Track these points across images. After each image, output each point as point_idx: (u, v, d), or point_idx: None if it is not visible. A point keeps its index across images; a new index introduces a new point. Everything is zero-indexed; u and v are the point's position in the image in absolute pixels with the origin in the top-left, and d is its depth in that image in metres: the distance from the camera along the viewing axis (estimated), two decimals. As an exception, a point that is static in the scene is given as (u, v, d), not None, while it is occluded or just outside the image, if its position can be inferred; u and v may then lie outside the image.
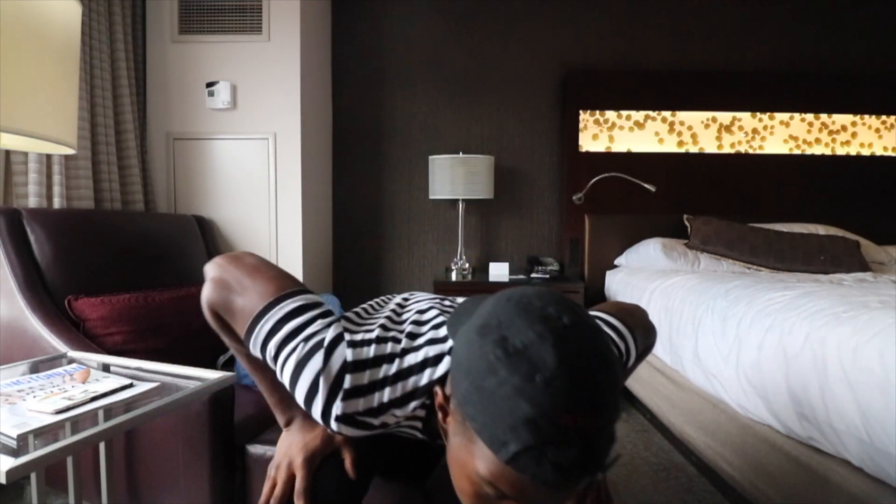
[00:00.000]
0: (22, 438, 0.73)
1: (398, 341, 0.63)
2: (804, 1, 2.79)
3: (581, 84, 2.71)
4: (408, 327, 0.66)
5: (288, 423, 0.76)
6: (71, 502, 1.09)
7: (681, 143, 2.77)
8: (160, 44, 2.22)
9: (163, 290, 1.58)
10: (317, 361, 0.59)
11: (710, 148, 2.77)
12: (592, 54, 2.80)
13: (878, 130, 2.78)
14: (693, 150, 2.77)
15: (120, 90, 2.06)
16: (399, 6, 2.78)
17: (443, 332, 0.63)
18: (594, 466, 0.41)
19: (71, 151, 1.12)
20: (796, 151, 2.78)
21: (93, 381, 0.97)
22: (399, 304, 0.78)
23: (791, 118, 2.77)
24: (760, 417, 1.30)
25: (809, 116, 2.77)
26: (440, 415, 0.54)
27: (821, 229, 2.51)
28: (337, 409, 0.58)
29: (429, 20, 2.79)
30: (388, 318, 0.69)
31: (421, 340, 0.63)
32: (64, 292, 1.37)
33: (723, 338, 1.48)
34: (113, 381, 0.97)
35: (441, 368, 0.60)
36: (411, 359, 0.61)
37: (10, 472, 0.64)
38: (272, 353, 0.62)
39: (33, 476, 0.82)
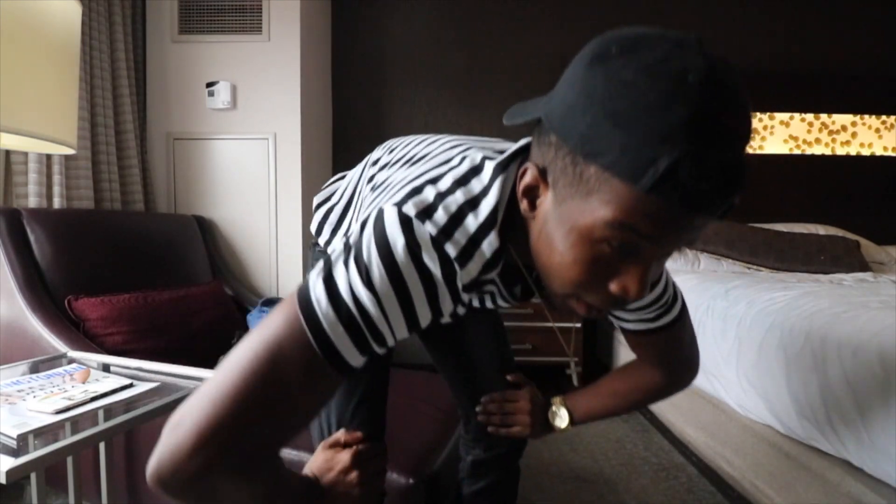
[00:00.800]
0: (22, 438, 0.73)
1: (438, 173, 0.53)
2: (804, 1, 2.79)
3: (581, 84, 2.71)
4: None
5: None
6: (71, 502, 1.08)
7: (681, 143, 2.77)
8: (160, 44, 2.22)
9: (163, 290, 1.58)
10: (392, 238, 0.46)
11: (710, 148, 2.77)
12: (592, 54, 2.80)
13: (878, 130, 2.78)
14: (693, 150, 2.77)
15: (120, 90, 2.06)
16: (399, 6, 2.78)
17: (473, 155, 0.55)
18: (745, 180, 0.39)
19: (71, 151, 1.12)
20: (796, 151, 2.78)
21: (93, 381, 0.97)
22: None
23: (791, 118, 2.77)
24: (760, 417, 1.30)
25: (809, 116, 2.77)
26: (525, 204, 0.47)
27: (821, 229, 2.51)
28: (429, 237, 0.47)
29: (429, 20, 2.79)
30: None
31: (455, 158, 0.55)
32: (64, 292, 1.37)
33: (723, 338, 1.48)
34: (113, 381, 0.97)
35: (485, 172, 0.51)
36: (460, 169, 0.52)
37: (10, 472, 0.64)
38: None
39: (33, 476, 0.82)
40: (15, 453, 0.68)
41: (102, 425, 0.78)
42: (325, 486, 0.63)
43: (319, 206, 0.82)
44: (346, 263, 0.46)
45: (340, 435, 0.69)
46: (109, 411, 0.86)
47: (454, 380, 0.97)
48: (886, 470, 0.92)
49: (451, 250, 0.47)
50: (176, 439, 0.43)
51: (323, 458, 0.66)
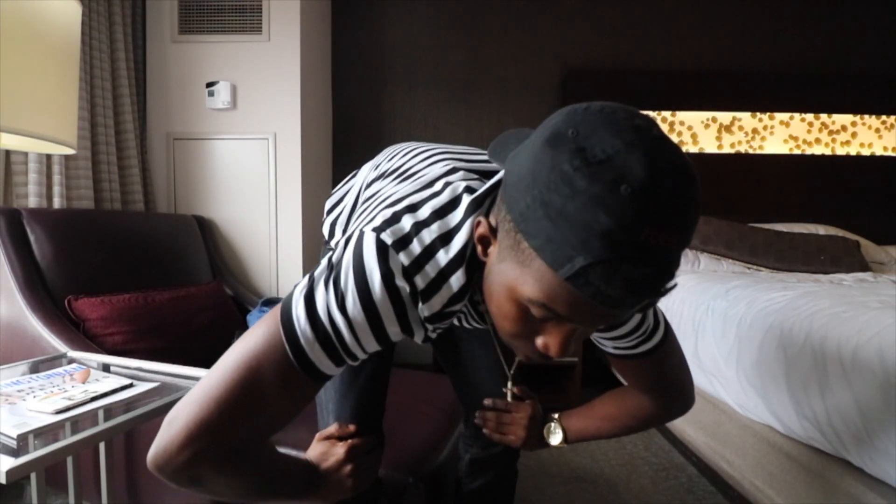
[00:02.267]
0: (22, 438, 0.73)
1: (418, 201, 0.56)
2: (804, 1, 2.79)
3: (581, 84, 2.71)
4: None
5: None
6: (71, 502, 1.08)
7: (681, 143, 2.77)
8: (160, 44, 2.22)
9: (163, 290, 1.58)
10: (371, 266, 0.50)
11: (710, 148, 2.77)
12: (592, 54, 2.80)
13: (878, 130, 2.78)
14: (693, 150, 2.77)
15: (120, 90, 2.06)
16: (399, 6, 2.78)
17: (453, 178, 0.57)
18: (661, 287, 0.39)
19: (71, 151, 1.12)
20: (796, 151, 2.78)
21: (93, 381, 0.97)
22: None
23: (791, 118, 2.77)
24: (760, 417, 1.30)
25: (809, 116, 2.77)
26: (479, 248, 0.49)
27: (821, 229, 2.51)
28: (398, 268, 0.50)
29: (429, 20, 2.79)
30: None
31: (438, 186, 0.57)
32: (64, 292, 1.37)
33: (723, 338, 1.48)
34: (113, 381, 0.97)
35: (461, 208, 0.53)
36: (440, 199, 0.54)
37: (10, 472, 0.64)
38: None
39: (33, 476, 0.82)
40: (15, 453, 0.68)
41: (102, 425, 0.78)
42: (321, 473, 0.68)
43: (331, 210, 0.85)
44: (325, 285, 0.50)
45: (334, 428, 0.73)
46: (109, 411, 0.86)
47: (456, 378, 0.98)
48: (886, 470, 0.92)
49: (420, 282, 0.51)
50: (168, 434, 0.50)
51: (319, 448, 0.71)
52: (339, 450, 0.69)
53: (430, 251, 0.51)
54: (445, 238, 0.52)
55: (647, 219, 0.37)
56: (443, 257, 0.51)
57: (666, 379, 0.73)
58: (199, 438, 0.49)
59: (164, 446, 0.50)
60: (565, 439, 0.85)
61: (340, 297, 0.49)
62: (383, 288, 0.49)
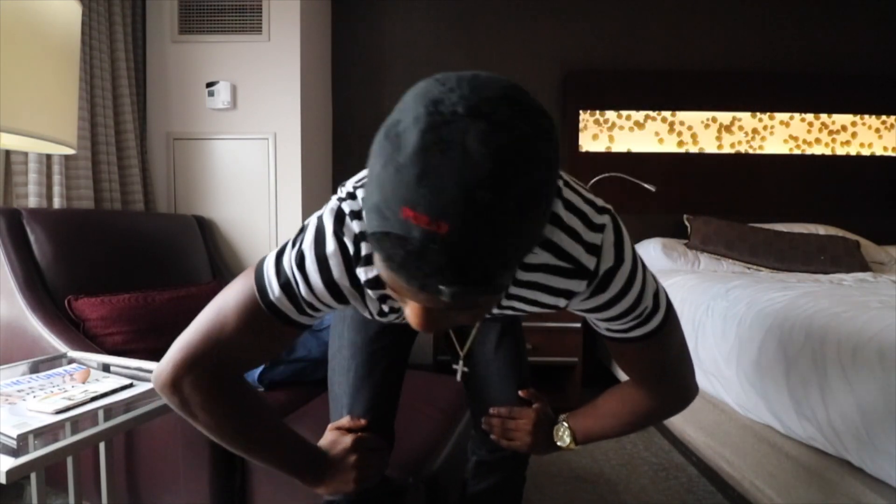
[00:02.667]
0: (22, 438, 0.73)
1: None
2: (804, 1, 2.79)
3: (581, 84, 2.71)
4: None
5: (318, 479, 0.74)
6: (71, 502, 1.09)
7: (681, 143, 2.77)
8: (160, 44, 2.22)
9: (163, 290, 1.58)
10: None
11: (710, 148, 2.77)
12: (592, 54, 2.80)
13: (878, 130, 2.78)
14: (693, 150, 2.77)
15: (120, 90, 2.06)
16: (399, 6, 2.78)
17: None
18: (453, 277, 0.36)
19: (71, 151, 1.12)
20: (796, 151, 2.78)
21: (93, 381, 0.97)
22: None
23: (791, 118, 2.77)
24: (760, 417, 1.30)
25: (809, 116, 2.77)
26: None
27: (821, 229, 2.51)
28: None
29: (428, 20, 2.79)
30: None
31: None
32: (64, 292, 1.37)
33: (723, 338, 1.48)
34: (113, 381, 0.97)
35: None
36: None
37: (10, 472, 0.64)
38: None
39: (33, 476, 0.82)
40: (15, 453, 0.68)
41: (102, 425, 0.78)
42: (328, 459, 0.74)
43: None
44: (293, 244, 0.58)
45: (346, 420, 0.78)
46: (109, 411, 0.86)
47: (468, 380, 0.97)
48: (886, 470, 0.92)
49: (365, 249, 0.54)
50: (165, 357, 0.63)
51: (331, 437, 0.77)
52: (347, 439, 0.74)
53: None
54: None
55: (401, 196, 0.35)
56: None
57: (660, 367, 0.70)
58: (182, 360, 0.61)
59: (160, 365, 0.63)
60: (574, 440, 0.84)
61: (300, 252, 0.56)
62: (335, 244, 0.55)
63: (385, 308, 0.61)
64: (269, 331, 0.60)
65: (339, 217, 0.55)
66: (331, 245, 0.55)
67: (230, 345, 0.60)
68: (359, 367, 0.81)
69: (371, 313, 0.63)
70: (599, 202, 0.56)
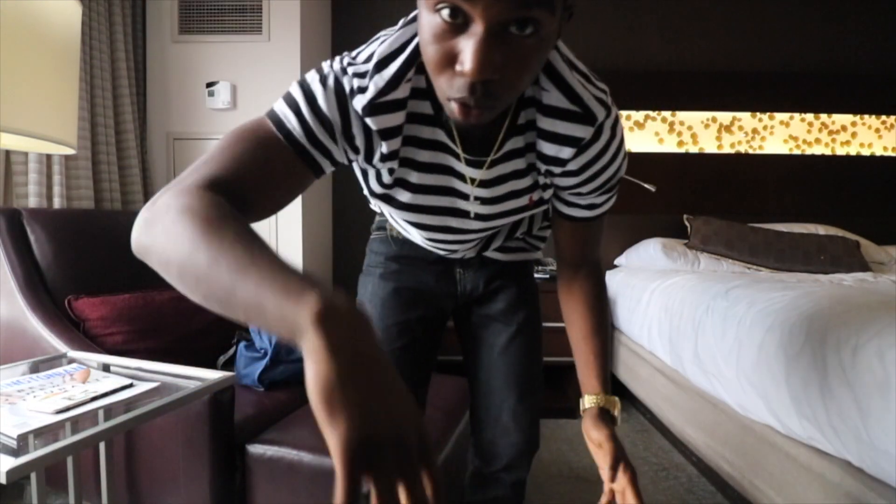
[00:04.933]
0: (22, 438, 0.73)
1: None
2: (804, 1, 2.79)
3: (581, 84, 2.71)
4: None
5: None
6: (71, 502, 1.09)
7: (681, 143, 2.77)
8: (160, 44, 2.22)
9: (163, 290, 1.58)
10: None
11: (710, 148, 2.77)
12: (592, 54, 2.80)
13: (878, 130, 2.78)
14: (693, 150, 2.77)
15: (120, 90, 2.06)
16: (399, 6, 2.77)
17: None
18: None
19: (71, 151, 1.12)
20: (796, 151, 2.78)
21: (93, 381, 0.97)
22: None
23: (791, 118, 2.77)
24: (760, 417, 1.30)
25: (809, 116, 2.77)
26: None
27: (821, 229, 2.51)
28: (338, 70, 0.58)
29: (429, 20, 2.79)
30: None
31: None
32: (64, 292, 1.37)
33: (723, 338, 1.47)
34: (113, 381, 0.97)
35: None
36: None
37: (10, 472, 0.64)
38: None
39: (33, 476, 0.82)
40: (15, 453, 0.68)
41: (102, 425, 0.78)
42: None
43: None
44: (299, 84, 0.58)
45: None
46: (109, 411, 0.86)
47: (473, 387, 0.97)
48: (886, 470, 0.92)
49: (372, 85, 0.56)
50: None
51: None
52: None
53: (372, 56, 0.57)
54: (395, 52, 0.57)
55: None
56: (383, 52, 0.57)
57: (594, 242, 0.80)
58: (192, 172, 0.51)
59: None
60: (606, 400, 0.77)
61: (308, 88, 0.57)
62: (334, 77, 0.57)
63: (388, 159, 0.61)
64: (278, 159, 0.56)
65: (343, 68, 0.58)
66: (331, 82, 0.57)
67: (238, 166, 0.52)
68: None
69: (376, 173, 0.65)
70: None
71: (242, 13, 2.21)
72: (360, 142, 0.60)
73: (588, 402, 0.77)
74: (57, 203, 1.70)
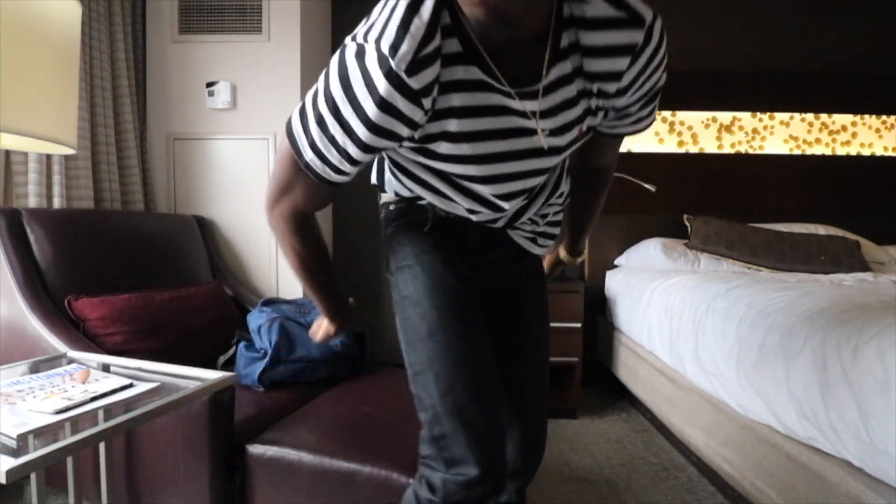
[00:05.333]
0: (22, 438, 0.73)
1: None
2: (805, 1, 2.79)
3: (581, 84, 2.71)
4: None
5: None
6: (71, 502, 1.09)
7: (681, 143, 2.77)
8: (160, 44, 2.22)
9: (163, 290, 1.58)
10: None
11: (710, 148, 2.77)
12: (592, 54, 2.80)
13: (878, 130, 2.78)
14: (693, 150, 2.77)
15: (120, 90, 2.06)
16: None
17: None
18: None
19: (71, 151, 1.12)
20: (796, 151, 2.78)
21: (93, 381, 0.97)
22: None
23: (791, 118, 2.77)
24: (760, 417, 1.30)
25: (809, 116, 2.77)
26: None
27: (821, 229, 2.51)
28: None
29: (429, 20, 2.78)
30: None
31: None
32: (64, 292, 1.37)
33: (723, 338, 1.47)
34: (113, 381, 0.97)
35: None
36: None
37: (10, 472, 0.64)
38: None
39: (33, 476, 0.82)
40: (15, 453, 0.68)
41: (102, 425, 0.78)
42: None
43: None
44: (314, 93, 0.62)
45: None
46: (109, 411, 0.86)
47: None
48: (886, 470, 0.92)
49: (387, 40, 0.53)
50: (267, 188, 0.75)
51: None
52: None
53: (392, 18, 0.55)
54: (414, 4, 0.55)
55: None
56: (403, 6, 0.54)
57: (614, 155, 0.89)
58: (268, 197, 0.74)
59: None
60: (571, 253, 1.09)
61: (325, 84, 0.60)
62: (355, 61, 0.55)
63: (428, 111, 0.59)
64: (308, 182, 0.69)
65: (361, 46, 0.56)
66: (355, 72, 0.56)
67: (295, 197, 0.71)
68: (452, 338, 0.74)
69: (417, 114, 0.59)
70: None
71: (242, 13, 2.21)
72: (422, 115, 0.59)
73: (562, 254, 1.10)
74: (57, 203, 1.70)
